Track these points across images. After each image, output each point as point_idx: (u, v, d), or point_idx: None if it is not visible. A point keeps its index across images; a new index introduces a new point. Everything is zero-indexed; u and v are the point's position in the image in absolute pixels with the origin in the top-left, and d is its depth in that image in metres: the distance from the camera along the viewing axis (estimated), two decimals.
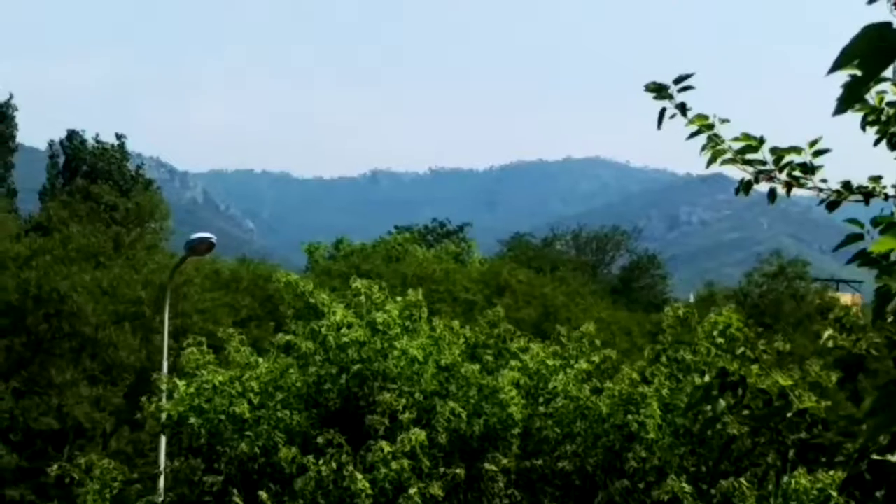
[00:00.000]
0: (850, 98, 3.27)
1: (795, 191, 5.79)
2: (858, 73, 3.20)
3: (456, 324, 19.79)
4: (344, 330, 18.66)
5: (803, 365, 17.18)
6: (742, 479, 16.42)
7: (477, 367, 18.74)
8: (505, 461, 17.90)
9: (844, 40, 3.29)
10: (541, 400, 18.85)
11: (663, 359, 18.88)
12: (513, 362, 19.08)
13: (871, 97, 5.59)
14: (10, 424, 39.36)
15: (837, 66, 3.16)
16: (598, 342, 20.21)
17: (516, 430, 18.34)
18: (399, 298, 19.58)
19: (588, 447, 18.38)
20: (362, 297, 19.27)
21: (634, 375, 18.57)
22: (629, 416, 18.13)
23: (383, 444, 17.20)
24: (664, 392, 18.25)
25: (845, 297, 63.08)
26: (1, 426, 39.19)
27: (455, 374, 18.65)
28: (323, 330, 18.73)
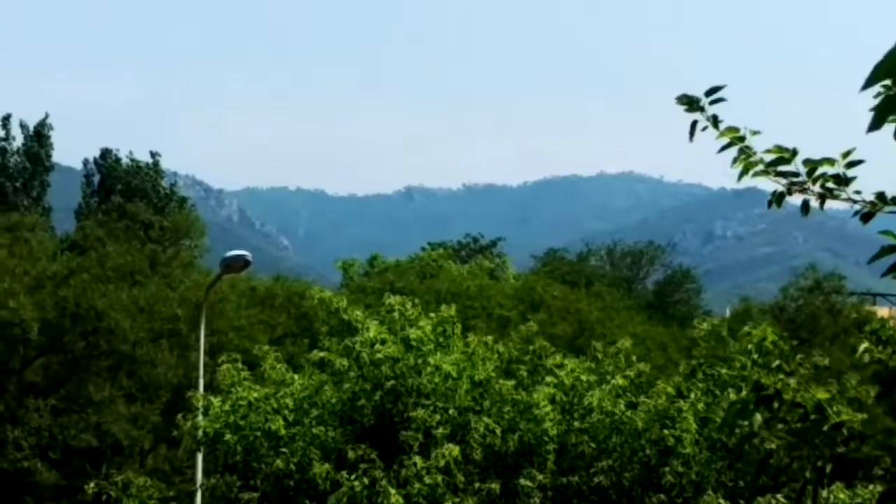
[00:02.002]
0: (885, 113, 3.25)
1: (831, 204, 5.76)
2: (892, 86, 3.17)
3: (490, 339, 19.77)
4: (378, 346, 18.67)
5: (841, 379, 17.07)
6: (779, 496, 16.30)
7: (511, 382, 18.71)
8: (541, 477, 17.84)
9: (877, 51, 3.26)
10: (576, 415, 18.78)
11: (699, 374, 18.79)
12: (549, 378, 19.03)
13: None
14: (49, 442, 39.59)
15: (871, 81, 3.13)
16: (633, 357, 20.15)
17: (551, 446, 18.28)
18: (433, 314, 19.58)
19: (624, 462, 18.30)
20: (396, 314, 19.28)
21: (670, 390, 18.50)
22: (665, 431, 18.04)
23: (417, 458, 17.19)
24: (700, 406, 18.16)
25: (882, 311, 62.58)
26: (40, 443, 39.42)
27: (489, 389, 18.63)
28: (357, 346, 18.75)
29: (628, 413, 18.46)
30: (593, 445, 18.47)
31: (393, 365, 18.49)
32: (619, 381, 18.98)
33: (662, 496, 17.97)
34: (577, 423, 18.67)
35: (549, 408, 18.34)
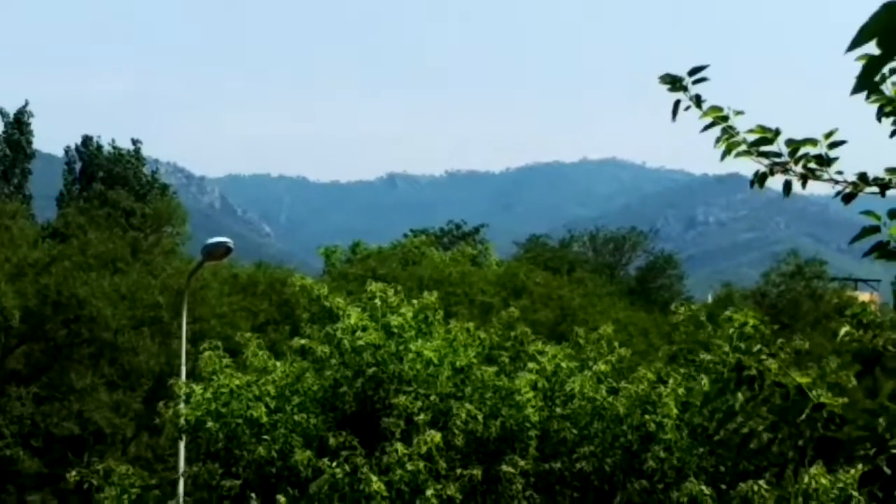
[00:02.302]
0: (869, 76, 3.23)
1: (812, 189, 5.73)
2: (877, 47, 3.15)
3: (471, 325, 19.74)
4: (359, 333, 18.63)
5: (821, 363, 17.12)
6: (761, 482, 16.30)
7: (493, 369, 18.69)
8: (523, 463, 17.82)
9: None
10: (557, 402, 18.77)
11: (680, 359, 18.79)
12: (531, 364, 19.01)
13: (888, 88, 5.53)
14: (31, 430, 39.48)
15: (856, 43, 3.12)
16: (615, 343, 20.13)
17: (533, 433, 18.27)
18: (415, 301, 19.55)
19: (606, 448, 18.31)
20: (377, 301, 19.24)
21: (650, 375, 18.51)
22: (647, 416, 18.05)
23: (398, 445, 17.16)
24: (680, 391, 18.17)
25: (863, 296, 62.85)
26: (22, 432, 39.31)
27: (470, 375, 18.61)
28: (338, 333, 18.72)
29: (609, 399, 18.46)
30: (575, 431, 18.45)
31: (374, 352, 18.45)
32: (602, 366, 18.98)
33: (644, 482, 17.98)
34: (558, 410, 18.65)
35: (530, 394, 18.33)
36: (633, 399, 18.31)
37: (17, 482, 39.94)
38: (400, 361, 18.37)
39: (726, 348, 17.70)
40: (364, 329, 18.69)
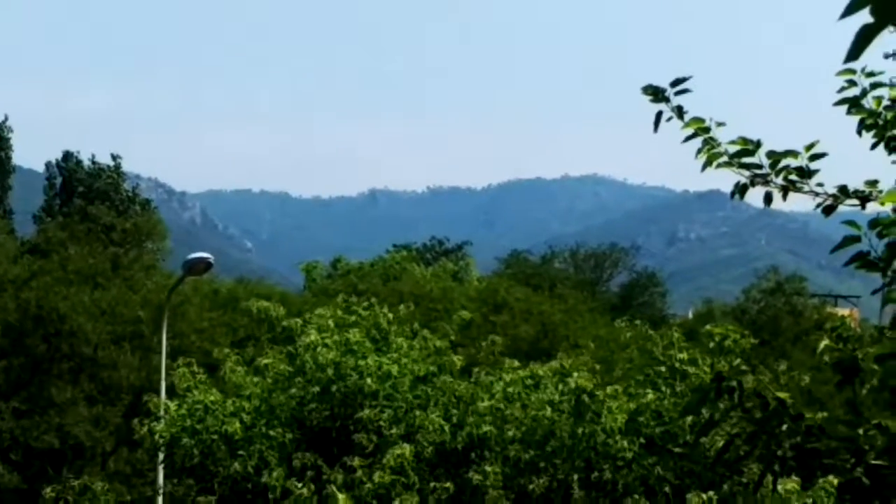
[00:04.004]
0: (863, 44, 3.21)
1: (793, 206, 5.74)
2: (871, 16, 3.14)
3: (426, 333, 19.71)
4: (320, 349, 18.63)
5: (773, 365, 17.19)
6: (710, 493, 16.07)
7: (447, 377, 18.65)
8: (489, 469, 17.54)
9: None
10: (507, 424, 18.52)
11: (653, 376, 18.64)
12: (506, 376, 18.91)
13: (869, 101, 5.54)
14: (11, 444, 39.28)
15: (850, 10, 3.11)
16: (568, 362, 19.80)
17: (500, 436, 18.09)
18: (389, 314, 19.64)
19: (562, 463, 18.07)
20: (329, 321, 19.28)
21: (585, 383, 18.26)
22: (596, 426, 17.80)
23: (357, 459, 17.02)
24: (632, 406, 18.00)
25: (843, 312, 63.09)
26: (2, 446, 39.11)
27: (432, 384, 18.57)
28: (299, 351, 18.74)
29: (553, 414, 18.20)
30: (532, 451, 18.21)
31: (336, 368, 18.43)
32: (583, 381, 18.80)
33: (604, 498, 17.82)
34: (510, 433, 18.35)
35: (493, 401, 18.24)
36: (569, 397, 18.06)
37: None
38: (361, 377, 18.34)
39: (677, 358, 17.72)
40: (325, 345, 18.71)
